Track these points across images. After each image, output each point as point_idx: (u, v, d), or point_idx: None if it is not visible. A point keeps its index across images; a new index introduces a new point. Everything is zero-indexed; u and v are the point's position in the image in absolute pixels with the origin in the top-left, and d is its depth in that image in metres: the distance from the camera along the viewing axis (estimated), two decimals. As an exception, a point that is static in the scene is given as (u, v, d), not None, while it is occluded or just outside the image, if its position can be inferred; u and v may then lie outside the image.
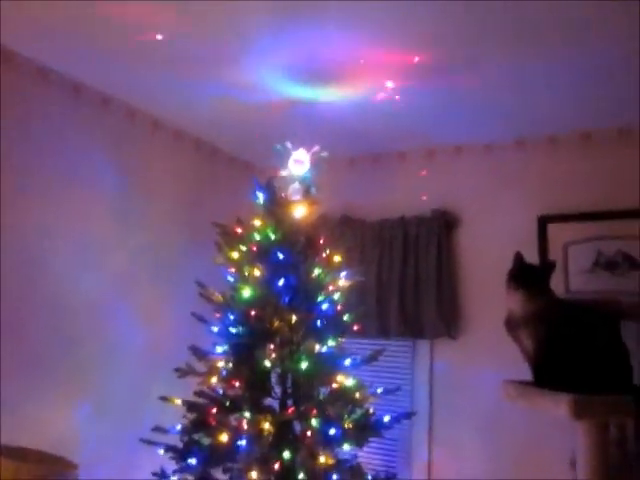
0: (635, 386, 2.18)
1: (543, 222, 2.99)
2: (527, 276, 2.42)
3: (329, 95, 2.65)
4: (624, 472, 1.98)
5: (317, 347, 2.37)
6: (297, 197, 2.53)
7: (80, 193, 2.74)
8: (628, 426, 1.98)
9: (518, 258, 2.34)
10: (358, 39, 2.25)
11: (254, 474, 2.15)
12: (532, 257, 2.79)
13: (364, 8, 2.02)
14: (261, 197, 2.55)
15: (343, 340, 2.50)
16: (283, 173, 2.54)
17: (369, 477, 2.39)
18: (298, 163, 2.52)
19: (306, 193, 2.54)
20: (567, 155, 3.03)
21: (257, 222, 2.52)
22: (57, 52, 2.47)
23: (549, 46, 2.22)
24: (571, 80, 2.46)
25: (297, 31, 2.20)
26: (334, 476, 2.24)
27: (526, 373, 2.28)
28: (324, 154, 2.54)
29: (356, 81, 2.55)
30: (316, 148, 2.54)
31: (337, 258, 2.55)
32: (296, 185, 2.52)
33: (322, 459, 2.22)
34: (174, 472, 2.33)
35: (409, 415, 2.56)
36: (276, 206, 2.53)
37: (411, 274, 3.16)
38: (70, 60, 2.53)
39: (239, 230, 2.53)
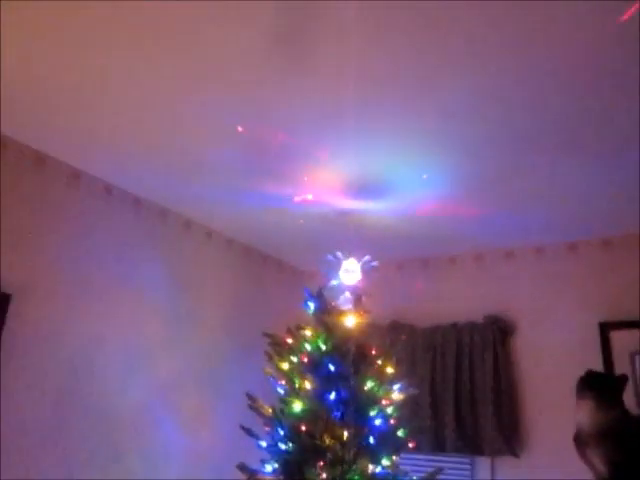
0: None
1: (605, 329, 2.85)
2: (598, 383, 2.27)
3: (377, 206, 2.70)
4: None
5: (370, 467, 2.25)
6: (348, 306, 2.51)
7: (134, 301, 2.81)
8: None
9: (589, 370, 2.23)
10: (403, 155, 2.33)
11: None
12: (595, 367, 2.64)
13: (411, 129, 2.11)
14: (312, 306, 2.54)
15: (397, 458, 2.36)
16: (334, 282, 2.55)
17: None
18: (348, 272, 2.53)
19: (357, 302, 2.52)
20: (622, 259, 2.94)
21: (308, 332, 2.49)
22: (119, 170, 2.64)
23: (597, 152, 2.23)
24: (622, 182, 2.44)
25: (347, 146, 2.29)
26: None
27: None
28: (374, 263, 2.54)
29: (402, 193, 2.61)
30: (366, 257, 2.55)
31: (390, 369, 2.47)
32: (347, 294, 2.51)
33: None
34: None
35: None
36: (327, 315, 2.51)
37: (466, 384, 3.02)
38: (131, 177, 2.69)
39: (289, 340, 2.50)
